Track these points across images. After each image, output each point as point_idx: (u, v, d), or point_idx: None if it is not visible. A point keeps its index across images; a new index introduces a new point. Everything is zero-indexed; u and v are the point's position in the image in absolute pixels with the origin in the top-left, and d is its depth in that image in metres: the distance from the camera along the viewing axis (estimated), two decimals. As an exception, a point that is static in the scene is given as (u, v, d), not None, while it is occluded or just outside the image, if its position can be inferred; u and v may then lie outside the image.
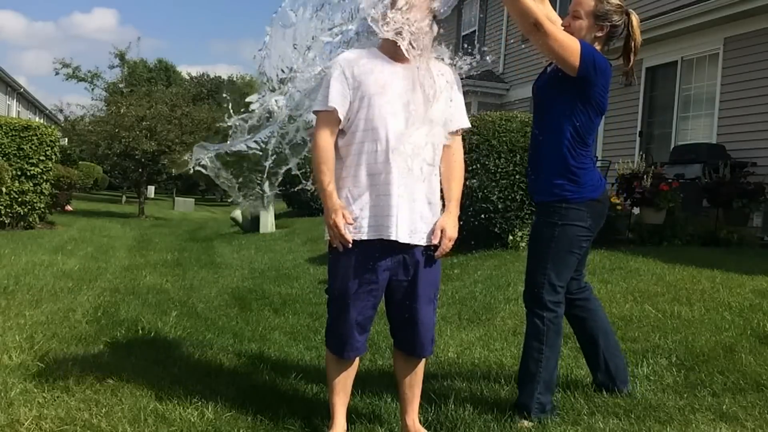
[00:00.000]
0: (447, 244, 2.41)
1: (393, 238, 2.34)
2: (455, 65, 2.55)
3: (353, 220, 2.34)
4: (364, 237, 2.36)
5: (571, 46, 2.55)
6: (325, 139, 2.40)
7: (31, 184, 10.07)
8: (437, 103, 2.43)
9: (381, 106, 2.36)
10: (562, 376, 3.26)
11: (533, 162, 2.84)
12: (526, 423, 2.65)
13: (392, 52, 2.41)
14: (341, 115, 2.38)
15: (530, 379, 2.71)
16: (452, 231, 2.42)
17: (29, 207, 10.12)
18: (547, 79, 2.77)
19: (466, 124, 2.56)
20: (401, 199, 2.36)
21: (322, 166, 2.37)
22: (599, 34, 2.72)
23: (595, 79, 2.62)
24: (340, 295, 2.41)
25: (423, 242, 2.41)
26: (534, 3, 2.47)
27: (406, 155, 2.37)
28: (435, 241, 2.40)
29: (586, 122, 2.69)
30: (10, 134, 9.92)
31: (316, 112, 2.45)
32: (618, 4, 2.72)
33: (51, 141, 10.36)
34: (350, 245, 2.33)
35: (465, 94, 2.59)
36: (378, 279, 2.39)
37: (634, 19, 2.77)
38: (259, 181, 2.95)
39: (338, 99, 2.37)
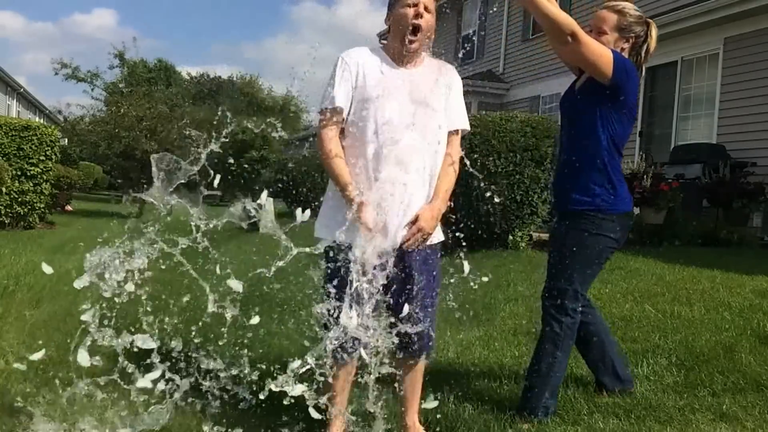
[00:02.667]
0: (416, 235, 2.35)
1: (387, 245, 2.34)
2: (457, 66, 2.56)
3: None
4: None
5: (604, 54, 2.59)
6: (333, 136, 2.38)
7: (31, 184, 10.06)
8: (439, 106, 2.43)
9: (383, 109, 2.34)
10: (562, 376, 3.26)
11: (565, 173, 2.81)
12: (526, 426, 2.65)
13: (397, 54, 2.41)
14: (345, 115, 2.38)
15: (540, 382, 2.72)
16: (426, 223, 2.37)
17: (29, 207, 10.11)
18: (579, 94, 2.80)
19: (466, 125, 2.55)
20: (397, 208, 2.35)
21: (336, 161, 2.35)
22: (625, 45, 2.77)
23: (626, 85, 2.67)
24: (335, 294, 2.40)
25: (414, 247, 2.40)
26: (562, 12, 2.50)
27: (405, 160, 2.36)
28: (413, 225, 2.35)
29: (621, 131, 2.74)
30: (10, 134, 9.91)
31: (321, 111, 2.42)
32: (639, 16, 2.79)
33: (51, 141, 10.36)
34: (375, 233, 2.28)
35: (465, 94, 2.60)
36: (373, 278, 2.39)
37: (654, 29, 2.84)
38: None
39: (342, 98, 2.36)
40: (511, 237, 6.99)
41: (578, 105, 2.77)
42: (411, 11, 2.33)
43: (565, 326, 2.73)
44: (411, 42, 2.35)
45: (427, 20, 2.36)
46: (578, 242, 2.72)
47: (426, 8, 2.35)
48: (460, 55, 16.85)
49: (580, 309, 2.80)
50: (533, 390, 2.73)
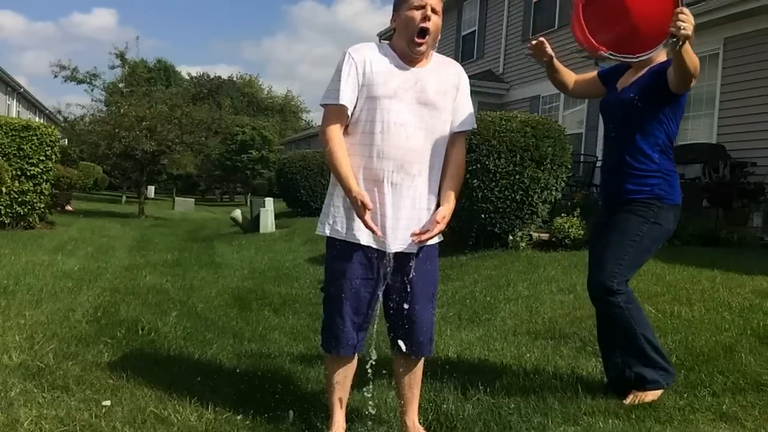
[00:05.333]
0: (435, 231, 2.34)
1: (387, 250, 2.35)
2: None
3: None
4: (362, 242, 2.36)
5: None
6: (337, 133, 2.37)
7: (31, 184, 10.06)
8: (445, 107, 2.42)
9: (387, 110, 2.33)
10: (562, 375, 3.25)
11: (621, 170, 2.86)
12: (650, 396, 2.78)
13: (404, 53, 2.39)
14: (350, 112, 2.37)
15: (643, 361, 2.80)
16: (446, 222, 2.40)
17: (29, 207, 10.11)
18: (633, 96, 2.84)
19: (473, 125, 2.55)
20: (398, 210, 2.35)
21: (339, 159, 2.33)
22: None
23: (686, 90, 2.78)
24: (336, 292, 2.40)
25: (416, 249, 2.40)
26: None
27: (410, 161, 2.36)
28: (436, 224, 2.35)
29: (675, 127, 2.85)
30: (10, 134, 9.91)
31: (325, 105, 2.41)
32: None
33: (51, 141, 10.36)
34: (380, 235, 2.31)
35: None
36: (374, 276, 2.39)
37: None
38: None
39: (349, 95, 2.34)
40: (511, 237, 6.98)
41: (633, 107, 2.82)
42: (418, 14, 2.32)
43: (623, 302, 2.77)
44: (419, 44, 2.35)
45: (435, 22, 2.34)
46: (636, 228, 2.78)
47: (433, 10, 2.34)
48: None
49: (626, 291, 2.84)
50: (645, 367, 2.80)
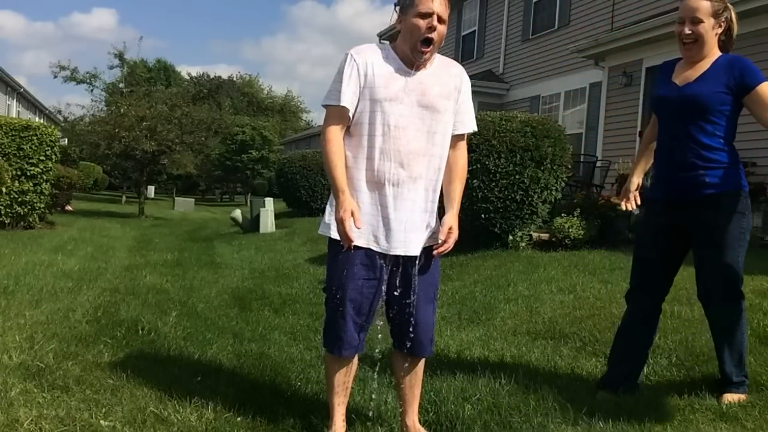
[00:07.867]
0: (451, 243, 2.38)
1: (389, 253, 2.35)
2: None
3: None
4: (362, 244, 2.36)
5: None
6: (336, 134, 2.36)
7: (31, 184, 10.07)
8: (446, 110, 2.42)
9: (389, 113, 2.33)
10: (563, 375, 3.26)
11: (693, 162, 2.85)
12: (743, 397, 2.84)
13: (407, 57, 2.38)
14: (351, 114, 2.37)
15: (741, 357, 2.91)
16: (457, 231, 2.41)
17: (29, 207, 10.11)
18: (723, 89, 2.88)
19: (474, 127, 2.55)
20: (400, 212, 2.35)
21: (335, 161, 2.32)
22: (719, 30, 2.93)
23: None
24: (338, 293, 2.40)
25: (418, 252, 2.40)
26: None
27: (410, 164, 2.35)
28: (442, 238, 2.37)
29: (735, 125, 2.95)
30: (10, 134, 9.91)
31: (326, 106, 2.40)
32: (722, 0, 2.91)
33: (51, 141, 10.36)
34: (352, 247, 2.31)
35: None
36: (376, 277, 2.39)
37: (733, 12, 3.00)
38: None
39: (350, 97, 2.34)
40: (511, 237, 6.99)
41: (718, 99, 2.85)
42: (424, 23, 2.30)
43: (743, 306, 2.89)
44: (422, 53, 2.34)
45: (440, 32, 2.33)
46: (738, 224, 2.81)
47: (440, 19, 2.32)
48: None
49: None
50: (742, 365, 2.90)
